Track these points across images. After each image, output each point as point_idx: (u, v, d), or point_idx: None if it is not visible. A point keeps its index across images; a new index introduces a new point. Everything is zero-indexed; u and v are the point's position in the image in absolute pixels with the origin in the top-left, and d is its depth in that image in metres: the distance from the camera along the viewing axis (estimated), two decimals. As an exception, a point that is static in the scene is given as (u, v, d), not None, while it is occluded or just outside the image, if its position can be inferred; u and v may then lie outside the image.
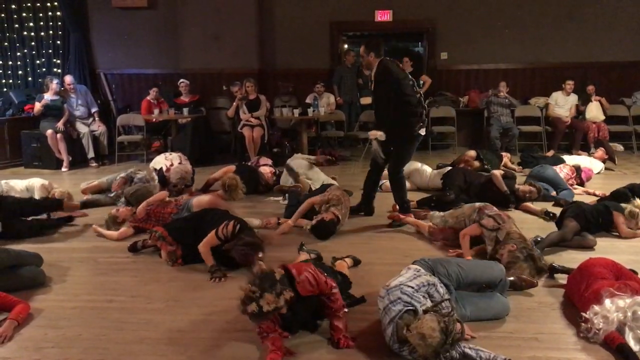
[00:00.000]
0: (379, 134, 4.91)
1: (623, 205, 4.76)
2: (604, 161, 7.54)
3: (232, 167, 6.39)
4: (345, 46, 11.51)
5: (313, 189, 5.91)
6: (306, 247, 4.17)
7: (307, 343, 2.94)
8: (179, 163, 6.69)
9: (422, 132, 4.95)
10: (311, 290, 2.85)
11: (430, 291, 2.86)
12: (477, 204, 4.41)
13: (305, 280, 2.84)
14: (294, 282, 2.82)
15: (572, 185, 6.26)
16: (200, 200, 4.85)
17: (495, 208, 4.29)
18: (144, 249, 4.42)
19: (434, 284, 2.90)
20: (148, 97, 8.90)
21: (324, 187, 5.34)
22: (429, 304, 2.76)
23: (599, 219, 4.64)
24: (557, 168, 6.39)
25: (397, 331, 2.66)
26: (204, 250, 3.98)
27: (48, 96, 8.21)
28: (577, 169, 6.50)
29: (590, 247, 4.38)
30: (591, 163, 7.19)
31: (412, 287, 2.81)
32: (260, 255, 3.94)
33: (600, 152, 7.66)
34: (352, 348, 2.86)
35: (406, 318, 2.63)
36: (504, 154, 7.87)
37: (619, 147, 8.87)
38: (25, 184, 5.75)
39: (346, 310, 3.00)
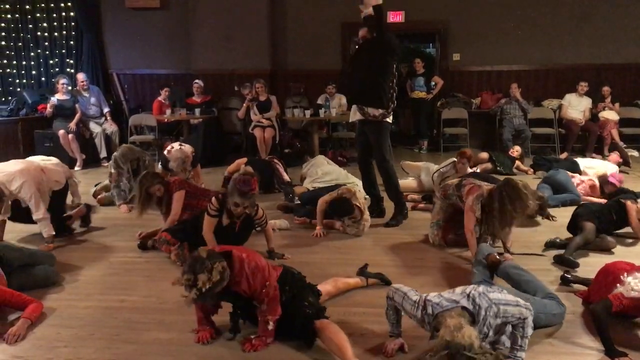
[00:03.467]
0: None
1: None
2: (618, 165, 7.46)
3: (244, 159, 6.44)
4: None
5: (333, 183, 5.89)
6: (368, 272, 3.76)
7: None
8: (179, 144, 6.65)
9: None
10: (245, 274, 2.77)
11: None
12: (456, 180, 4.51)
13: (244, 260, 2.78)
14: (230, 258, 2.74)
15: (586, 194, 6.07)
16: None
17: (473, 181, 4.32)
18: (153, 249, 4.43)
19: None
20: (159, 98, 8.94)
21: (334, 187, 5.32)
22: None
23: (612, 216, 4.53)
24: (577, 179, 6.17)
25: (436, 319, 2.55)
26: (208, 236, 3.99)
27: (57, 97, 8.27)
28: (603, 181, 6.03)
29: (609, 250, 4.32)
30: (605, 167, 7.10)
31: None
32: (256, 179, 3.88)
33: (614, 155, 7.56)
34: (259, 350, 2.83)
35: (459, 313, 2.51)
36: (514, 148, 7.78)
37: (634, 153, 8.78)
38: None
39: (271, 326, 2.87)
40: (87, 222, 5.25)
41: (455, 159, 6.20)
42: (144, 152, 6.23)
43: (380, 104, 4.88)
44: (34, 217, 4.45)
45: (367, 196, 5.43)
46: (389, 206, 5.39)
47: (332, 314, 3.19)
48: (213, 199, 4.00)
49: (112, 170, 5.87)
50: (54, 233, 4.57)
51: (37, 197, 4.40)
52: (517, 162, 7.59)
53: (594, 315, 2.91)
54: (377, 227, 5.06)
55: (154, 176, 4.69)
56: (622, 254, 4.21)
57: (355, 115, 5.12)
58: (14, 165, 4.45)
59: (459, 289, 2.72)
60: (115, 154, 5.99)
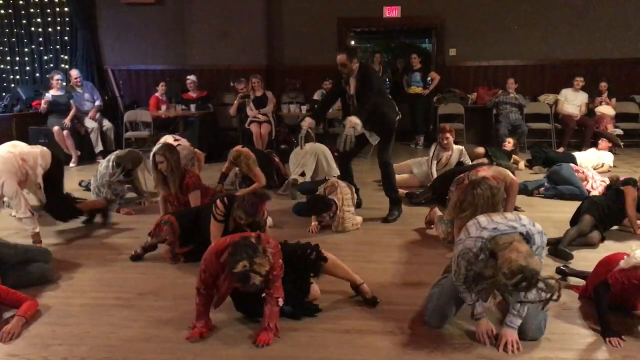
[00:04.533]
0: (358, 123, 4.65)
1: None
2: (610, 150, 7.46)
3: (246, 150, 6.46)
4: (352, 42, 11.46)
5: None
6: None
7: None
8: (175, 140, 6.60)
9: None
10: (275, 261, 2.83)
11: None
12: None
13: (275, 247, 2.89)
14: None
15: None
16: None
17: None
18: (146, 253, 4.29)
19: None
20: (156, 94, 8.89)
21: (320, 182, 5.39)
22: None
23: (614, 206, 4.50)
24: (582, 174, 6.10)
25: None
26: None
27: (51, 93, 8.22)
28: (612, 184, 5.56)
29: (592, 245, 4.31)
30: (599, 157, 7.12)
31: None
32: (269, 203, 3.85)
33: (603, 142, 7.53)
34: (270, 344, 2.84)
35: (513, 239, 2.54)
36: (507, 140, 7.78)
37: (619, 131, 8.79)
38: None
39: (280, 304, 2.93)
40: (107, 219, 5.15)
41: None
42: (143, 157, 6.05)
43: (393, 119, 5.03)
44: (17, 215, 4.34)
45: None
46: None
47: (326, 311, 3.23)
48: (218, 202, 3.86)
49: (112, 170, 5.65)
50: (38, 230, 4.44)
51: (19, 195, 4.25)
52: (514, 157, 7.60)
53: (594, 293, 2.94)
54: (372, 223, 5.06)
55: (167, 147, 4.69)
56: (611, 248, 4.21)
57: (372, 138, 5.11)
58: None
59: (510, 215, 2.75)
60: (119, 154, 5.75)
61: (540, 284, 2.40)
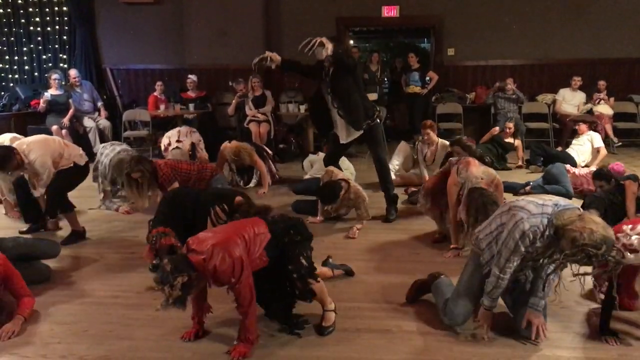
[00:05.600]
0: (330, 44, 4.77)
1: None
2: (591, 128, 7.44)
3: (247, 146, 6.61)
4: (351, 42, 11.47)
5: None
6: (332, 261, 3.85)
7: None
8: (177, 140, 6.61)
9: None
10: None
11: None
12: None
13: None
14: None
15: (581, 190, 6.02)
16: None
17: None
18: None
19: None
20: (155, 93, 8.90)
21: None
22: None
23: (616, 200, 4.52)
24: (573, 171, 6.22)
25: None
26: None
27: (50, 92, 8.23)
28: (601, 173, 5.46)
29: None
30: (590, 140, 7.14)
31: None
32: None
33: (582, 126, 7.43)
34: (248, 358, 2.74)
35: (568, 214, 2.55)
36: (506, 125, 7.80)
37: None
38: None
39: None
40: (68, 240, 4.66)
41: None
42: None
43: (371, 116, 5.01)
44: (36, 193, 4.51)
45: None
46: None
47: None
48: (219, 212, 3.69)
49: (107, 188, 5.60)
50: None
51: (50, 172, 4.42)
52: (514, 141, 7.62)
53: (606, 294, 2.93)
54: (370, 223, 5.06)
55: (137, 161, 4.67)
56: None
57: (351, 134, 5.08)
58: (36, 137, 4.55)
59: (546, 197, 2.77)
60: (114, 168, 5.35)
61: (615, 252, 2.49)
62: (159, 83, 8.99)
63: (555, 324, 3.06)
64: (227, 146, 6.33)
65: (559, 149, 8.51)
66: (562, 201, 2.69)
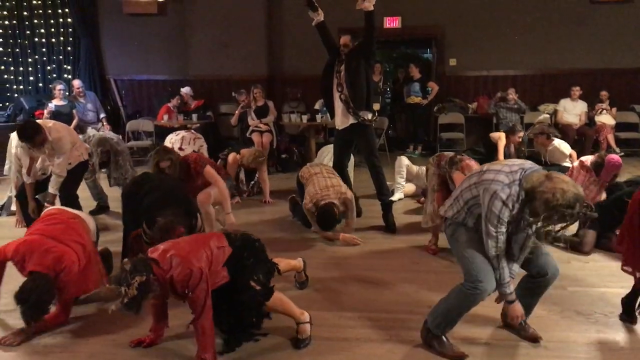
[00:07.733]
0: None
1: None
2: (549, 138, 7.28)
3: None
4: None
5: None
6: None
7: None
8: (179, 148, 6.59)
9: None
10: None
11: None
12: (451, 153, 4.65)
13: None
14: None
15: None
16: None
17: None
18: None
19: None
20: (169, 104, 8.94)
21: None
22: None
23: (615, 213, 4.36)
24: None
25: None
26: None
27: (54, 102, 8.28)
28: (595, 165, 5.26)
29: (584, 253, 4.36)
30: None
31: None
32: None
33: (540, 139, 7.12)
34: None
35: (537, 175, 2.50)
36: (519, 134, 7.62)
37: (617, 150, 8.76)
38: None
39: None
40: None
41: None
42: (118, 144, 5.90)
43: (370, 108, 5.15)
44: (55, 170, 4.62)
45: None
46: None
47: (324, 319, 3.23)
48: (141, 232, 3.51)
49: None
50: (57, 193, 4.68)
51: (67, 157, 4.68)
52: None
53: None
54: (371, 232, 5.07)
55: (165, 151, 4.73)
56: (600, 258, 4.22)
57: (346, 121, 5.15)
58: (60, 123, 4.89)
59: (515, 162, 2.69)
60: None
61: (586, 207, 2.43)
62: (177, 97, 9.08)
63: (556, 333, 3.06)
64: (244, 152, 6.43)
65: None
66: (527, 164, 2.64)
